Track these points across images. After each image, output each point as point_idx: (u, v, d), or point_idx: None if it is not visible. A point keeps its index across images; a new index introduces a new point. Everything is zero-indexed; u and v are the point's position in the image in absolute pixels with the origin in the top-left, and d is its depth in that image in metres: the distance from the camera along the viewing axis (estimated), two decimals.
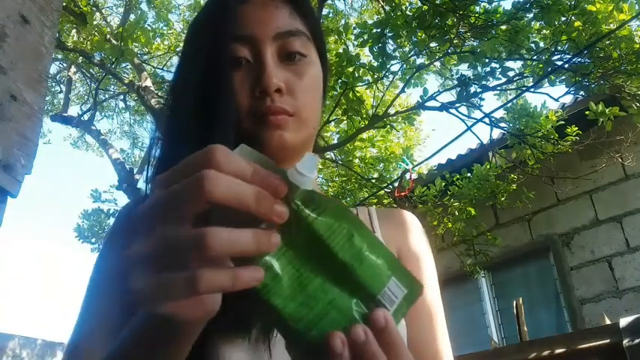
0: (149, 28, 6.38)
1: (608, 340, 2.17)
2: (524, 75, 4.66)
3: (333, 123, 5.83)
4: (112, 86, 8.24)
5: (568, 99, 4.91)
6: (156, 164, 0.67)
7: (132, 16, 6.39)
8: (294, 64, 0.67)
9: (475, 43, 4.53)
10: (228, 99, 0.63)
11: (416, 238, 0.76)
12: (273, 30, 0.66)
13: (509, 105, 4.78)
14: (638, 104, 4.11)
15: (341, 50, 4.77)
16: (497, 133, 5.17)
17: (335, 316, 0.35)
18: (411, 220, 0.79)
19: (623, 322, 2.15)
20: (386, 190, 5.75)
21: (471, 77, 4.50)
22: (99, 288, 0.66)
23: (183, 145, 0.62)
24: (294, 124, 0.65)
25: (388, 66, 4.60)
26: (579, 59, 4.22)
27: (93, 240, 6.18)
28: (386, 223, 0.76)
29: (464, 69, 4.82)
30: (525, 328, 3.63)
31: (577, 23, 4.02)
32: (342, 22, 6.52)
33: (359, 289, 0.35)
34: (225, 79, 0.64)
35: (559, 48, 4.35)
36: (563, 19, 4.09)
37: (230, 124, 0.62)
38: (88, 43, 6.09)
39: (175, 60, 7.61)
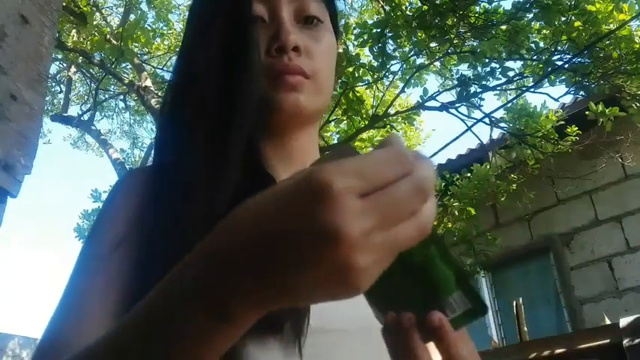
0: (149, 28, 6.38)
1: (608, 340, 2.17)
2: (524, 75, 4.66)
3: (333, 123, 5.83)
4: (112, 86, 8.24)
5: (568, 99, 4.92)
6: (163, 128, 0.64)
7: (132, 16, 6.39)
8: (310, 28, 0.65)
9: (475, 43, 4.53)
10: (255, 54, 0.59)
11: None
12: None
13: (509, 105, 4.79)
14: (638, 104, 4.11)
15: (341, 50, 4.77)
16: (497, 133, 5.18)
17: (404, 303, 0.39)
18: None
19: (623, 322, 2.15)
20: None
21: (471, 77, 4.50)
22: (100, 265, 0.56)
23: (208, 111, 0.59)
24: (311, 87, 0.62)
25: (388, 66, 4.60)
26: (579, 59, 4.23)
27: None
28: None
29: (464, 69, 4.82)
30: (525, 328, 3.63)
31: (577, 23, 4.02)
32: (342, 22, 6.51)
33: (428, 290, 0.39)
34: (251, 35, 0.60)
35: (559, 48, 4.35)
36: (563, 19, 4.10)
37: (259, 80, 0.59)
38: (88, 43, 6.09)
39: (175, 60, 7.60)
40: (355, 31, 4.57)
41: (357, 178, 0.31)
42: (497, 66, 4.40)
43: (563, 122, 4.57)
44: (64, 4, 4.35)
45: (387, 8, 4.63)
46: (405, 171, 0.33)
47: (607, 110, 4.09)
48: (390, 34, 4.30)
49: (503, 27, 4.29)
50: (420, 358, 0.37)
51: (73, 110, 8.13)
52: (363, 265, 0.31)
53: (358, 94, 4.90)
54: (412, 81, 5.04)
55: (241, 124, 0.58)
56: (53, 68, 7.65)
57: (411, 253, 0.36)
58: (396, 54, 4.67)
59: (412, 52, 4.75)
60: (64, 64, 7.87)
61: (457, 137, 4.86)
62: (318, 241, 0.31)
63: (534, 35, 4.49)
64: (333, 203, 0.30)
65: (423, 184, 0.32)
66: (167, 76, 7.33)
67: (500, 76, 4.43)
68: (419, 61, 4.94)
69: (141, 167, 0.68)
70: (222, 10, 0.62)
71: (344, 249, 0.30)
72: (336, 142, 5.99)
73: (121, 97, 8.44)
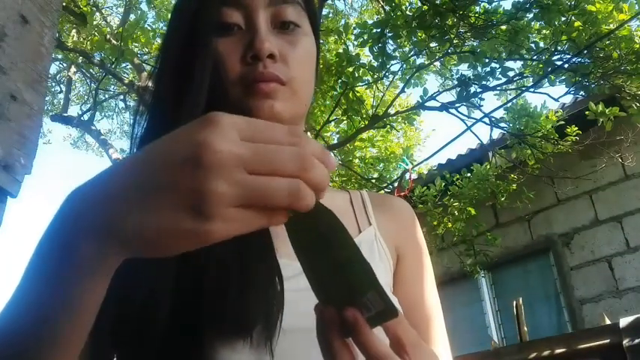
0: (149, 28, 6.37)
1: (608, 340, 2.17)
2: (524, 75, 4.66)
3: (333, 123, 5.83)
4: (112, 86, 8.24)
5: (568, 99, 4.91)
6: (140, 135, 0.65)
7: (132, 16, 6.39)
8: (287, 33, 0.64)
9: (475, 43, 4.53)
10: (205, 64, 0.60)
11: (414, 233, 0.75)
12: None
13: (509, 105, 4.78)
14: (638, 104, 4.11)
15: (341, 50, 4.77)
16: (497, 133, 5.18)
17: (331, 297, 0.41)
18: (406, 210, 0.77)
19: (623, 322, 2.15)
20: (386, 190, 5.75)
21: (471, 77, 4.50)
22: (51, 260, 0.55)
23: (163, 113, 0.61)
24: (286, 94, 0.62)
25: (388, 66, 4.60)
26: (579, 59, 4.22)
27: None
28: (381, 212, 0.74)
29: (464, 69, 4.82)
30: (525, 328, 3.63)
31: (577, 23, 4.02)
32: (342, 22, 6.52)
33: (346, 288, 0.41)
34: (207, 43, 0.61)
35: (559, 48, 4.35)
36: (563, 19, 4.09)
37: (202, 90, 0.60)
38: (88, 43, 6.08)
39: None
40: (355, 31, 4.57)
41: (247, 125, 0.34)
42: (497, 66, 4.40)
43: (563, 122, 4.57)
44: (64, 4, 4.35)
45: (387, 8, 4.63)
46: (293, 142, 0.35)
47: (607, 110, 4.09)
48: (390, 34, 4.30)
49: (503, 27, 4.29)
50: (336, 351, 0.40)
51: (73, 110, 8.13)
52: (219, 191, 0.32)
53: (358, 94, 4.89)
54: (412, 81, 5.04)
55: None
56: (53, 68, 7.66)
57: (332, 250, 0.39)
58: (396, 54, 4.67)
59: (412, 52, 4.75)
60: (64, 64, 7.87)
61: (457, 137, 4.86)
62: (186, 153, 0.33)
63: (534, 35, 4.49)
64: (213, 126, 0.33)
65: (304, 155, 0.35)
66: None
67: (500, 76, 4.42)
68: (419, 61, 4.95)
69: None
70: (190, 16, 0.63)
71: (206, 161, 0.32)
72: (336, 142, 5.99)
73: (121, 97, 8.43)
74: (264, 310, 0.53)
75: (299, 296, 0.54)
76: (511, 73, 4.48)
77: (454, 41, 4.40)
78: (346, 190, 0.78)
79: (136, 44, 6.07)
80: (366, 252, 0.67)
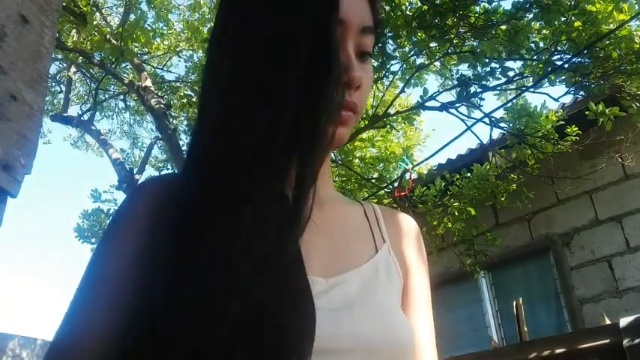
0: (149, 28, 6.37)
1: (608, 340, 2.17)
2: (524, 75, 4.66)
3: None
4: (112, 86, 8.24)
5: (568, 99, 4.91)
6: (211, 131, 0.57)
7: (132, 16, 6.39)
8: (363, 62, 0.66)
9: (475, 43, 4.53)
10: (339, 75, 0.57)
11: (420, 249, 0.77)
12: (361, 22, 0.63)
13: (509, 105, 4.78)
14: (638, 104, 4.11)
15: None
16: (497, 133, 5.18)
17: None
18: (414, 228, 0.79)
19: (623, 322, 2.15)
20: (386, 190, 5.75)
21: (471, 77, 4.50)
22: (106, 277, 0.57)
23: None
24: (354, 121, 0.64)
25: (388, 66, 4.60)
26: (579, 59, 4.22)
27: (93, 240, 6.18)
28: (392, 228, 0.75)
29: (464, 69, 4.82)
30: (525, 328, 3.63)
31: (577, 23, 4.02)
32: None
33: None
34: (338, 53, 0.57)
35: (559, 48, 4.35)
36: (563, 19, 4.09)
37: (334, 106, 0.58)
38: (88, 43, 6.08)
39: (175, 60, 7.60)
40: None
41: None
42: (497, 66, 4.40)
43: (563, 122, 4.57)
44: (64, 4, 4.35)
45: (387, 8, 4.63)
46: None
47: (607, 110, 4.09)
48: (390, 34, 4.30)
49: (503, 27, 4.29)
50: None
51: (73, 110, 8.12)
52: None
53: None
54: (412, 81, 5.03)
55: (321, 145, 0.56)
56: (53, 68, 7.66)
57: None
58: (396, 54, 4.67)
59: (412, 52, 4.74)
60: (64, 64, 7.87)
61: (457, 137, 4.86)
62: None
63: (534, 35, 4.48)
64: None
65: None
66: (167, 76, 7.33)
67: (500, 76, 4.42)
68: (419, 61, 4.95)
69: (162, 176, 0.64)
70: (305, 17, 0.57)
71: None
72: None
73: (121, 97, 8.43)
74: (297, 334, 0.51)
75: (331, 316, 0.54)
76: (511, 73, 4.48)
77: (454, 41, 4.40)
78: (359, 202, 0.78)
79: (136, 44, 6.07)
80: (383, 272, 0.67)
